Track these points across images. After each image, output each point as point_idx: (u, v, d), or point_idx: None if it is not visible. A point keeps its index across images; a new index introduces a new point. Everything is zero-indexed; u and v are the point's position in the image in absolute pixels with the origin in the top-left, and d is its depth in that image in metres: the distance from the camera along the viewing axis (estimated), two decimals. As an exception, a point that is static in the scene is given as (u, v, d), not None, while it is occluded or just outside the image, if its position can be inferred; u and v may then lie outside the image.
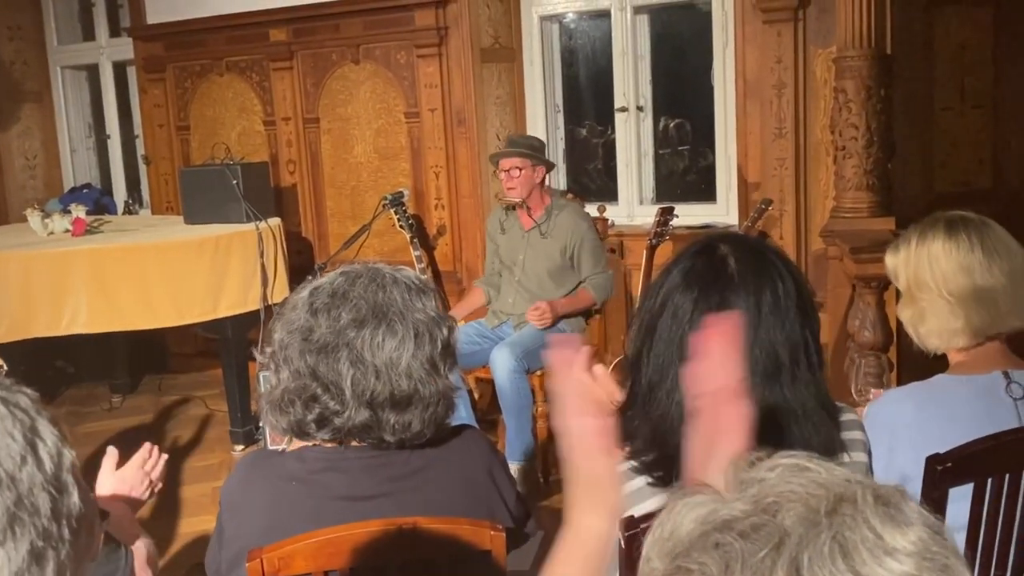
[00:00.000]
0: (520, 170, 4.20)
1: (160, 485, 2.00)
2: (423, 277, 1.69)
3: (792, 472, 0.69)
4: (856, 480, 0.68)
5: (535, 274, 4.29)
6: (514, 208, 4.34)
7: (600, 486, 1.03)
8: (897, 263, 1.98)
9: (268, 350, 1.64)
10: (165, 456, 2.01)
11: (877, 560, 0.62)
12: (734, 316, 1.09)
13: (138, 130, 6.41)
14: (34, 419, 0.71)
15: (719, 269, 1.41)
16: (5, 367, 1.65)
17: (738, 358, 1.03)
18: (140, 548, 1.77)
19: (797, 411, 1.38)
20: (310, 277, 1.68)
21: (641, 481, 1.44)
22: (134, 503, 1.94)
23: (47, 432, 0.71)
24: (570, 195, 4.76)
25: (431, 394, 1.58)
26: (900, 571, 0.62)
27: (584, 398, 1.04)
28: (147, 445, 2.01)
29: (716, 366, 1.02)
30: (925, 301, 1.91)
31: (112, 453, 1.96)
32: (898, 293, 2.10)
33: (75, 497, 0.72)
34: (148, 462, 1.98)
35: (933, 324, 1.91)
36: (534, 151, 4.26)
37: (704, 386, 1.03)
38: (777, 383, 1.37)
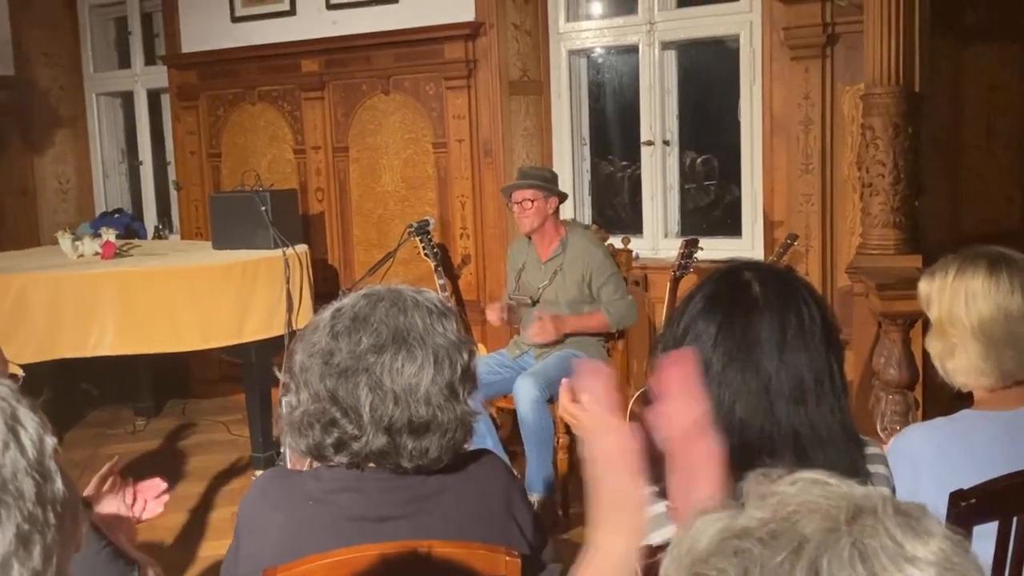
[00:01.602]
0: (532, 202, 4.22)
1: (149, 511, 1.97)
2: (445, 300, 1.68)
3: (812, 485, 0.69)
4: (876, 493, 0.68)
5: (554, 307, 4.28)
6: (530, 239, 4.35)
7: (624, 507, 1.03)
8: (931, 292, 1.93)
9: (289, 371, 1.65)
10: (163, 484, 1.98)
11: (897, 567, 0.62)
12: (688, 354, 1.10)
13: (170, 157, 6.50)
14: (14, 407, 0.72)
15: (743, 293, 1.40)
16: (22, 375, 1.66)
17: (698, 394, 1.04)
18: (147, 567, 1.77)
19: (822, 435, 1.37)
20: (334, 302, 1.68)
21: (662, 506, 1.44)
22: (130, 526, 1.91)
23: (28, 419, 0.72)
24: (595, 226, 4.77)
25: (449, 420, 1.57)
26: None
27: (610, 420, 1.04)
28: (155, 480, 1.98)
29: (679, 406, 1.03)
30: (956, 337, 1.87)
31: (114, 466, 1.95)
32: (925, 326, 2.08)
33: (59, 483, 0.72)
34: (147, 490, 1.95)
35: (962, 362, 1.87)
36: (546, 182, 4.26)
37: (670, 427, 1.03)
38: (802, 407, 1.36)
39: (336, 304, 1.65)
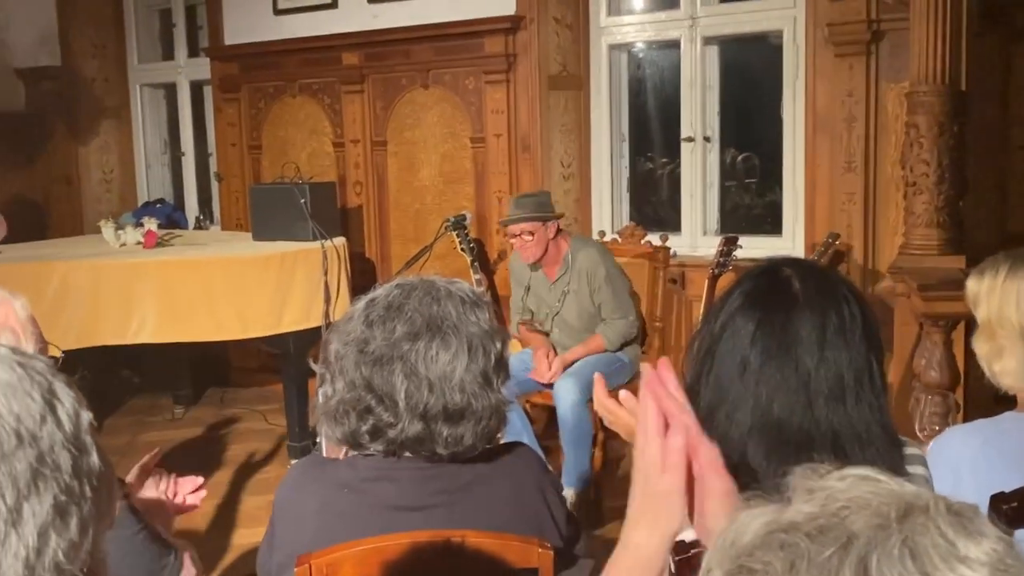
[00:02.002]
0: (532, 234, 4.15)
1: (188, 503, 2.02)
2: (478, 290, 1.69)
3: (861, 481, 0.68)
4: (927, 492, 0.67)
5: (568, 326, 4.26)
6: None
7: (662, 504, 1.02)
8: (980, 292, 1.88)
9: (324, 360, 1.66)
10: (200, 479, 2.04)
11: (949, 566, 0.60)
12: (661, 363, 1.09)
13: (212, 148, 6.56)
14: (51, 381, 0.73)
15: (783, 290, 1.38)
16: (61, 355, 1.69)
17: (680, 407, 1.03)
18: (184, 549, 1.80)
19: (861, 434, 1.34)
20: (368, 293, 1.69)
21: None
22: (168, 514, 1.96)
23: (64, 394, 0.73)
24: (631, 223, 4.74)
25: (484, 408, 1.58)
26: None
27: (661, 420, 1.03)
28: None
29: (676, 434, 1.02)
30: (1005, 339, 1.82)
31: (155, 456, 2.00)
32: (968, 327, 2.03)
33: (95, 457, 0.73)
34: (164, 482, 2.00)
35: (1010, 364, 1.82)
36: (542, 208, 4.20)
37: (673, 456, 1.02)
38: (841, 405, 1.34)
39: (370, 294, 1.66)
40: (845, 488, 0.67)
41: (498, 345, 1.62)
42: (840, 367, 1.33)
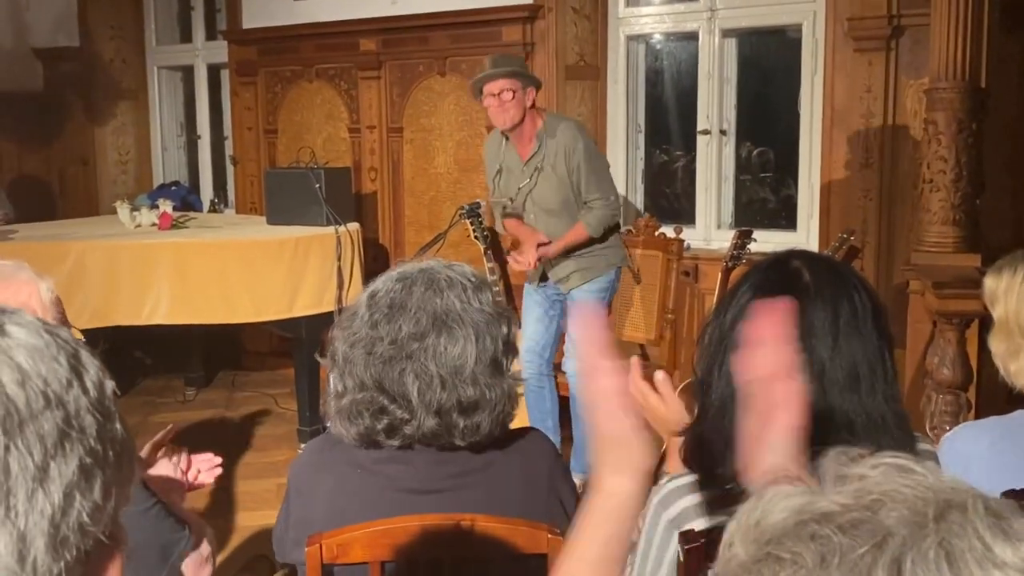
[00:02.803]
0: (512, 92, 3.87)
1: (201, 480, 2.05)
2: (477, 272, 1.69)
3: (897, 472, 0.66)
4: (965, 488, 0.65)
5: (544, 209, 4.06)
6: (507, 138, 4.08)
7: (623, 445, 1.02)
8: (998, 290, 1.87)
9: (331, 357, 1.65)
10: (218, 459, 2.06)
11: (984, 572, 0.59)
12: (785, 302, 1.08)
13: (227, 131, 6.58)
14: (77, 349, 0.74)
15: (793, 281, 1.38)
16: (81, 338, 1.70)
17: (791, 343, 1.02)
18: (198, 523, 1.81)
19: (877, 423, 1.34)
20: (368, 286, 1.68)
21: (709, 493, 1.42)
22: (181, 490, 1.98)
23: (90, 362, 0.74)
24: (646, 214, 4.73)
25: (497, 396, 1.59)
26: None
27: (603, 361, 1.03)
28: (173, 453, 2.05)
29: (770, 352, 1.01)
30: (1022, 339, 1.81)
31: (170, 432, 2.02)
32: (982, 325, 2.02)
33: (117, 424, 0.74)
34: (177, 457, 2.02)
35: None
36: (523, 68, 3.98)
37: (757, 371, 1.02)
38: (856, 394, 1.34)
39: (370, 289, 1.65)
40: (879, 479, 0.66)
41: (504, 328, 1.63)
42: (854, 356, 1.33)
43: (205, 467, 2.05)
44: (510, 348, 1.63)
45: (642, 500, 1.03)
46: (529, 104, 3.98)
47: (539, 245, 4.02)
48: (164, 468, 1.98)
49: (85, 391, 0.72)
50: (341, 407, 1.61)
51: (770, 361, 1.00)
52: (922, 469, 0.67)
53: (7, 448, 0.65)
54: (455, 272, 1.64)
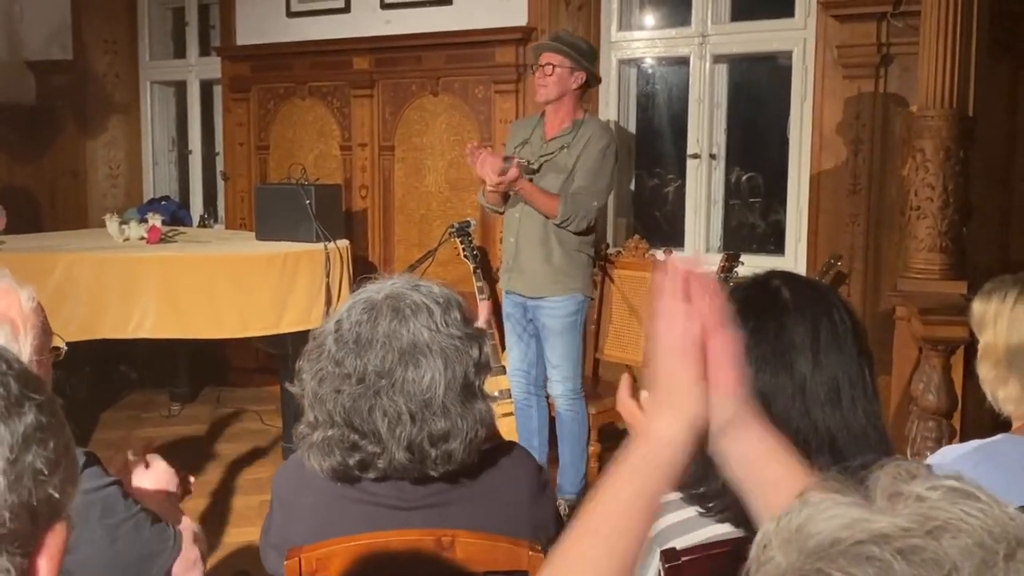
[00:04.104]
0: (555, 68, 3.83)
1: (191, 480, 2.05)
2: (445, 290, 1.65)
3: (960, 497, 0.62)
4: None
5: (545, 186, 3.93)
6: (542, 116, 4.03)
7: (680, 392, 1.00)
8: (986, 315, 1.85)
9: (299, 388, 1.63)
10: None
11: None
12: (689, 257, 1.09)
13: (219, 147, 6.57)
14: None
15: (773, 299, 1.40)
16: (65, 347, 1.71)
17: (717, 292, 1.03)
18: (187, 529, 1.80)
19: (858, 437, 1.35)
20: (333, 316, 1.66)
21: (691, 511, 1.43)
22: (172, 495, 1.98)
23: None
24: (636, 236, 4.74)
25: (470, 424, 1.56)
26: None
27: (682, 304, 1.01)
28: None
29: (696, 305, 1.00)
30: (1011, 366, 1.80)
31: (135, 458, 2.02)
32: (967, 351, 2.01)
33: (66, 427, 0.80)
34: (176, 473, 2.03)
35: (1015, 392, 1.79)
36: (578, 53, 3.89)
37: (681, 327, 1.00)
38: (838, 409, 1.35)
39: (336, 317, 1.61)
40: (941, 502, 0.62)
41: (475, 350, 1.59)
42: (835, 372, 1.35)
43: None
44: (481, 368, 1.60)
45: (685, 455, 0.99)
46: (574, 86, 3.93)
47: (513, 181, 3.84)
48: (159, 472, 1.97)
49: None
50: (313, 442, 1.59)
51: (697, 329, 1.00)
52: (986, 497, 0.63)
53: None
54: (422, 294, 1.60)
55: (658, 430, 0.99)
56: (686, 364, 1.00)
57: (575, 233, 3.94)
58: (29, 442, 0.72)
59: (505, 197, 4.05)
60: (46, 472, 0.73)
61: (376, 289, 1.63)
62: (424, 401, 1.53)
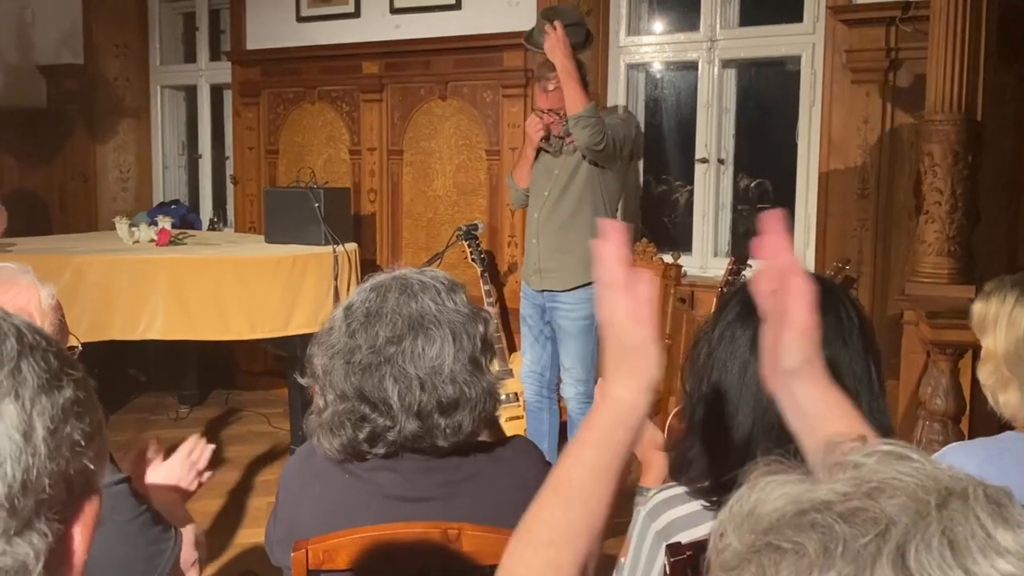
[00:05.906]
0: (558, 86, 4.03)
1: (208, 475, 2.06)
2: (450, 277, 1.70)
3: (894, 459, 0.65)
4: (964, 476, 0.64)
5: (561, 189, 4.07)
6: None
7: (633, 356, 1.02)
8: (986, 318, 1.84)
9: (309, 374, 1.66)
10: (211, 447, 2.06)
11: (988, 560, 0.59)
12: (774, 212, 1.12)
13: (229, 151, 6.60)
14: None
15: None
16: (80, 347, 1.73)
17: (789, 246, 1.07)
18: (189, 531, 1.81)
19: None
20: (344, 301, 1.69)
21: (696, 505, 1.43)
22: (183, 493, 1.98)
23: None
24: (644, 240, 4.75)
25: (477, 394, 1.60)
26: (1010, 573, 0.58)
27: (621, 272, 1.03)
28: (193, 437, 2.06)
29: (776, 261, 1.05)
30: (1012, 371, 1.78)
31: (156, 448, 2.03)
32: (975, 354, 2.00)
33: (99, 410, 0.82)
34: (194, 452, 2.03)
35: (1015, 396, 1.79)
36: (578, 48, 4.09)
37: (769, 282, 1.05)
38: None
39: (346, 301, 1.66)
40: (876, 466, 0.65)
41: (481, 328, 1.64)
42: (839, 368, 1.34)
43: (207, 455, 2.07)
44: (488, 347, 1.64)
45: (644, 413, 1.02)
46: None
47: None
48: (161, 475, 1.98)
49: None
50: (323, 422, 1.61)
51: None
52: (919, 456, 0.66)
53: (20, 354, 0.73)
54: (428, 276, 1.66)
55: (616, 394, 1.01)
56: (639, 328, 1.01)
57: (586, 148, 3.94)
58: (67, 414, 0.74)
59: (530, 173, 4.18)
60: (83, 444, 0.75)
61: (383, 275, 1.68)
62: (433, 368, 1.56)
